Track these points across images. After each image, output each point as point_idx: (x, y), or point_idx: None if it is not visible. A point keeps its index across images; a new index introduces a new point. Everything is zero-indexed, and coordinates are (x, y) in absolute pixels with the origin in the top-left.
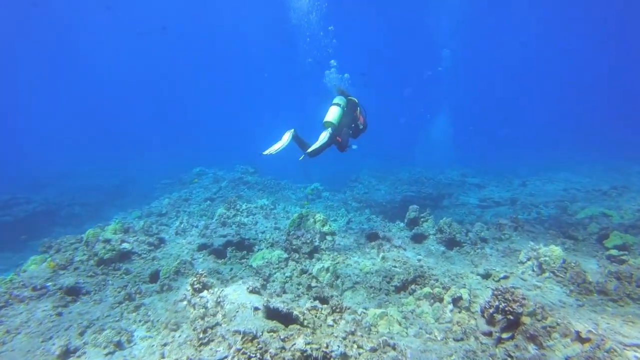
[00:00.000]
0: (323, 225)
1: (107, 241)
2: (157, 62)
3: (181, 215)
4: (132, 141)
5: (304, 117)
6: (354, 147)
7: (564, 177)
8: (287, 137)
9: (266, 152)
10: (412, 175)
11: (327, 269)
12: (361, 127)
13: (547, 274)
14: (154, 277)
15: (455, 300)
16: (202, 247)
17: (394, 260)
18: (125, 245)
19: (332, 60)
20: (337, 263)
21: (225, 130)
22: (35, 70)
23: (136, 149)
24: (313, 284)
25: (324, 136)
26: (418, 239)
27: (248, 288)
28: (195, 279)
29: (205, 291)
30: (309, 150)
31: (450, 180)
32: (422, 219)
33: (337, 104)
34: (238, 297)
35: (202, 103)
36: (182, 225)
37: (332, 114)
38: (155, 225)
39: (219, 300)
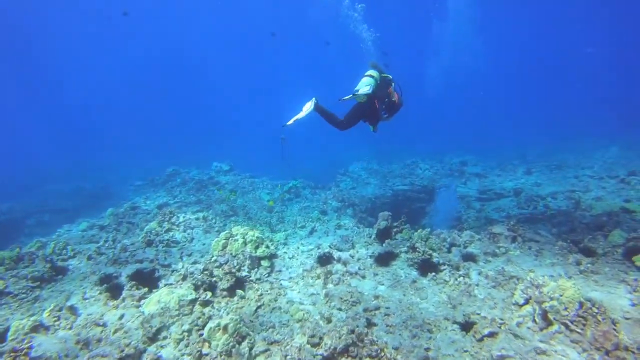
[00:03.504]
0: (256, 248)
1: None
2: (145, 60)
3: (122, 227)
4: (123, 141)
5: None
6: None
7: (575, 162)
8: (308, 106)
9: (288, 122)
10: (406, 165)
11: (225, 328)
12: (395, 102)
13: (555, 327)
14: (3, 336)
15: None
16: (104, 280)
17: (341, 298)
18: None
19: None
20: (260, 306)
21: (209, 127)
22: (12, 73)
23: (126, 149)
24: (205, 351)
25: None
26: (384, 259)
27: None
28: (9, 358)
29: None
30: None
31: (448, 170)
32: (395, 229)
33: (370, 75)
34: None
35: (185, 100)
36: (106, 244)
37: (364, 83)
38: (71, 247)
39: None
